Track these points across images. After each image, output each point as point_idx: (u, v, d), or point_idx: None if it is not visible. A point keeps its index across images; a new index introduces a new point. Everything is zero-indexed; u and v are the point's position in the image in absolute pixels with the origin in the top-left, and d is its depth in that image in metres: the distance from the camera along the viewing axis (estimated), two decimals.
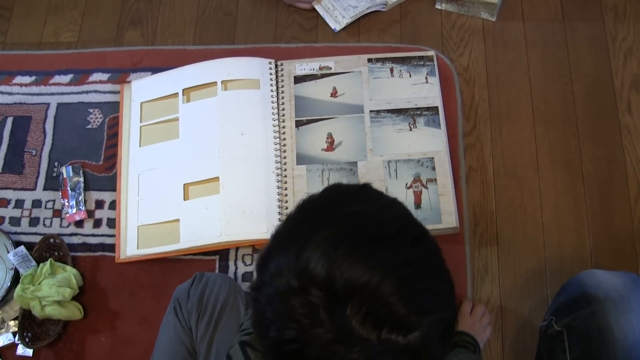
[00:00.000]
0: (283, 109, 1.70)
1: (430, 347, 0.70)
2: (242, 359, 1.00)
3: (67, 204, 1.70)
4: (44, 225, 1.70)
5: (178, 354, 1.32)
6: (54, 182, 1.74)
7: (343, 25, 1.84)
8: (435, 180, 1.60)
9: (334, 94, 1.71)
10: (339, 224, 0.73)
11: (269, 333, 0.73)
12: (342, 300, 0.67)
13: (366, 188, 0.81)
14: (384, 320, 0.67)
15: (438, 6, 1.87)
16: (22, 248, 1.57)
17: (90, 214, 1.70)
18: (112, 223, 1.68)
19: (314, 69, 1.74)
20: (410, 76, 1.72)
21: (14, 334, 1.58)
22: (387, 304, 0.67)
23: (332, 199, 0.79)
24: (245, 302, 1.37)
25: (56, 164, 1.76)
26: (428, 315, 0.69)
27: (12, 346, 1.58)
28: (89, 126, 1.79)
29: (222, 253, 1.63)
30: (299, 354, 0.71)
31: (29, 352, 1.57)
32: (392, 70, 1.73)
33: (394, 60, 1.74)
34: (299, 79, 1.74)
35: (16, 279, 1.56)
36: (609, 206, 1.64)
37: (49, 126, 1.80)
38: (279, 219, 1.58)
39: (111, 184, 1.72)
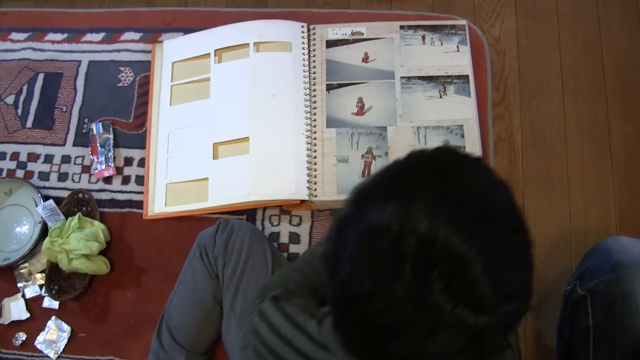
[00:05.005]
0: (314, 72, 1.61)
1: (492, 334, 0.66)
2: (278, 313, 0.92)
3: (96, 160, 1.62)
4: (73, 180, 1.63)
5: (201, 298, 1.32)
6: (83, 139, 1.66)
7: None
8: (464, 147, 1.52)
9: (365, 59, 1.62)
10: (454, 188, 0.68)
11: (341, 269, 0.68)
12: (433, 262, 0.62)
13: (481, 161, 0.76)
14: (465, 296, 0.63)
15: None
16: (51, 202, 1.50)
17: (119, 170, 1.63)
18: (140, 180, 1.60)
19: (346, 34, 1.65)
20: (441, 44, 1.63)
21: (41, 286, 1.54)
22: (474, 282, 0.63)
23: (449, 161, 0.73)
24: (272, 252, 1.35)
25: (86, 120, 1.68)
26: (508, 302, 0.65)
27: (39, 298, 1.54)
28: (120, 84, 1.71)
29: (249, 213, 1.56)
30: (363, 304, 0.66)
31: (55, 304, 1.52)
32: (423, 37, 1.63)
33: (426, 28, 1.65)
34: (330, 44, 1.64)
35: (44, 232, 1.51)
36: (635, 181, 1.57)
37: (80, 83, 1.72)
38: (308, 180, 1.50)
39: (140, 141, 1.64)
